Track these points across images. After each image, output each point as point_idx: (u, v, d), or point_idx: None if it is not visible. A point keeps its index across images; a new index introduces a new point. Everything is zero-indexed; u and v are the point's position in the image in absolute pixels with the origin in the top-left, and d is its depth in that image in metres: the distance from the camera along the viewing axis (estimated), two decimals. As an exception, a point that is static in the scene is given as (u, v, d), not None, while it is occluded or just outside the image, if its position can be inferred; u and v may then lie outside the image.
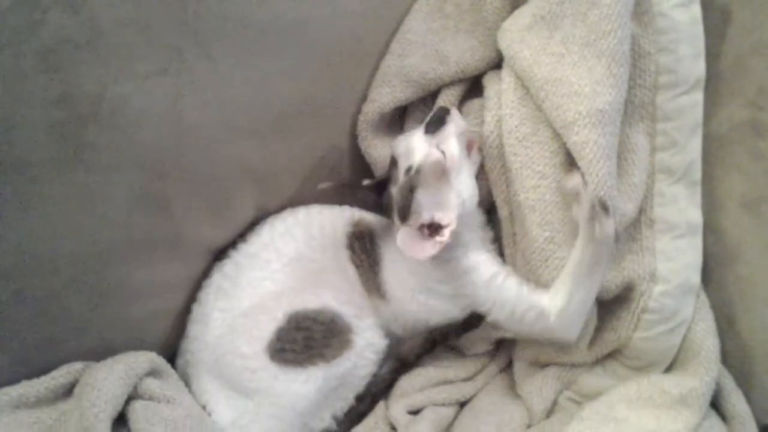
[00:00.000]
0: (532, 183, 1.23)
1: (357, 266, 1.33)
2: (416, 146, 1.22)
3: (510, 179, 1.26)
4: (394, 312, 1.33)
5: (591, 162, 1.16)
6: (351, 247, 1.34)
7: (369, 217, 1.37)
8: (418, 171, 1.20)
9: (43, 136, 1.01)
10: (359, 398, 1.34)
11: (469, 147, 1.28)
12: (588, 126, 1.16)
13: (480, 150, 1.31)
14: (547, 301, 1.23)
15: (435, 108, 1.32)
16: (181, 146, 1.15)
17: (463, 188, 1.23)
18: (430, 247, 1.16)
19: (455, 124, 1.23)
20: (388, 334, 1.36)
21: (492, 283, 1.26)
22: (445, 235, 1.17)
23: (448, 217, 1.19)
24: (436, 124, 1.23)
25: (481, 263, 1.27)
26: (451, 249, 1.22)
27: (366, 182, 1.31)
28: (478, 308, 1.28)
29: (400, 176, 1.24)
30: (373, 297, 1.33)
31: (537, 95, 1.22)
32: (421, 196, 1.20)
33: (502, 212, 1.32)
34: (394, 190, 1.25)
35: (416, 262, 1.22)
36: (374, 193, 1.31)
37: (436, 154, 1.20)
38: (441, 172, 1.20)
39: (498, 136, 1.27)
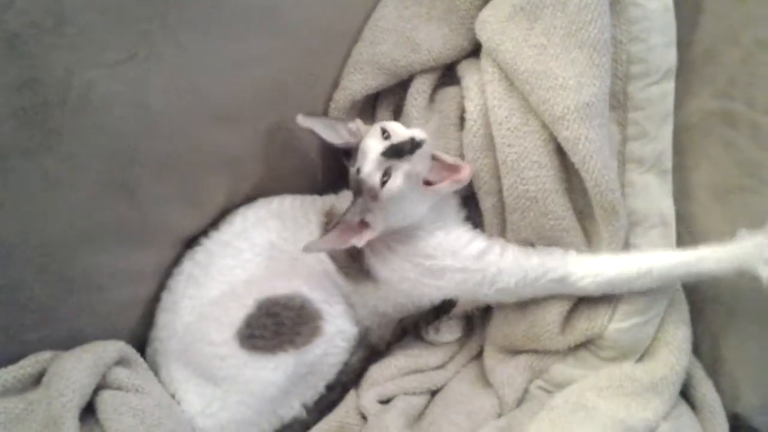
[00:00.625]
0: (531, 174, 1.22)
1: (333, 258, 1.33)
2: (369, 157, 1.22)
3: (504, 172, 1.24)
4: (386, 293, 1.33)
5: (585, 158, 1.16)
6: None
7: (341, 205, 1.36)
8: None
9: (9, 123, 0.99)
10: (329, 387, 1.33)
11: (451, 170, 1.25)
12: (577, 121, 1.16)
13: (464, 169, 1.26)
14: (573, 267, 1.24)
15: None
16: (149, 132, 1.14)
17: (395, 216, 1.24)
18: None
19: (413, 163, 1.20)
20: (359, 322, 1.36)
21: (487, 255, 1.26)
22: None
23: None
24: (396, 152, 1.20)
25: (467, 239, 1.28)
26: (420, 227, 1.26)
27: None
28: (474, 283, 1.27)
29: (354, 169, 1.24)
30: (361, 282, 1.33)
31: (522, 88, 1.22)
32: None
33: (486, 203, 1.30)
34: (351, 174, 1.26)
35: (396, 242, 1.26)
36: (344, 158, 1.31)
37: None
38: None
39: (482, 126, 1.27)
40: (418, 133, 1.20)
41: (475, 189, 1.31)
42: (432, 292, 1.31)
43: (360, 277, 1.32)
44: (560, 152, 1.22)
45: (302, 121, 1.27)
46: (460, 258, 1.26)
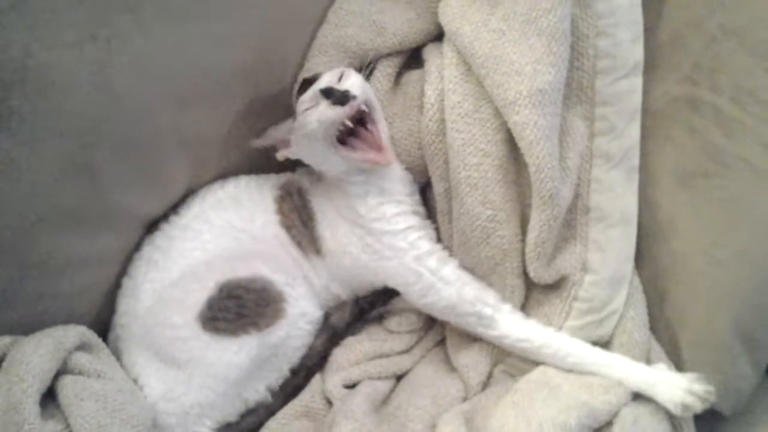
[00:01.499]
0: (475, 161, 1.22)
1: (288, 228, 1.33)
2: (312, 87, 1.26)
3: (451, 156, 1.25)
4: (330, 270, 1.34)
5: (531, 143, 1.16)
6: (280, 211, 1.34)
7: (296, 176, 1.39)
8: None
9: (-34, 103, 0.97)
10: (294, 371, 1.33)
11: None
12: (528, 106, 1.16)
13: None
14: (503, 321, 1.26)
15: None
16: (110, 114, 1.12)
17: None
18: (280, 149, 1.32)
19: (333, 114, 1.20)
20: (323, 304, 1.37)
21: (424, 262, 1.28)
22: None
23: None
24: (326, 94, 1.21)
25: (411, 234, 1.29)
26: (348, 182, 1.29)
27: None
28: (407, 283, 1.30)
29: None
30: (310, 255, 1.34)
31: (478, 72, 1.21)
32: (291, 120, 1.30)
33: (438, 188, 1.31)
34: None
35: (344, 207, 1.30)
36: None
37: (298, 106, 1.27)
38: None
39: (438, 110, 1.26)
40: (354, 90, 1.20)
41: (429, 173, 1.31)
42: (369, 275, 1.33)
43: (311, 249, 1.33)
44: (508, 143, 1.22)
45: (258, 143, 1.30)
46: (392, 232, 1.29)
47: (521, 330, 1.26)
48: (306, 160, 1.33)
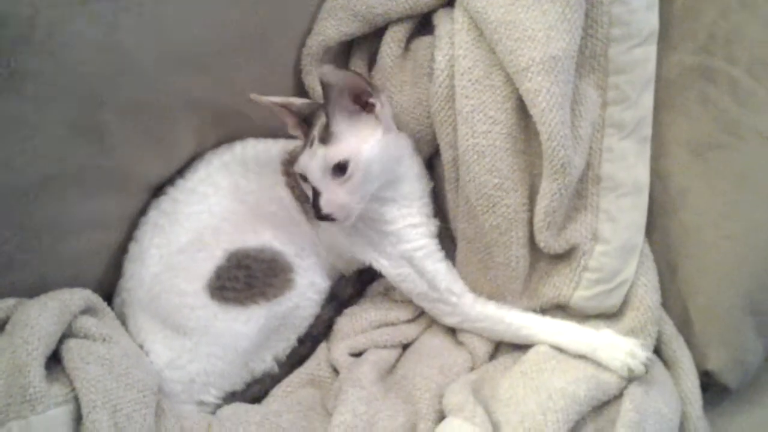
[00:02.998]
0: (483, 128, 1.21)
1: (293, 188, 1.32)
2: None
3: (459, 123, 1.23)
4: (322, 239, 1.34)
5: (543, 111, 1.14)
6: (286, 172, 1.33)
7: None
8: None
9: (-27, 60, 0.96)
10: (300, 340, 1.33)
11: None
12: (541, 73, 1.14)
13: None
14: (463, 301, 1.31)
15: None
16: (118, 75, 1.11)
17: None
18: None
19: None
20: (330, 275, 1.36)
21: (409, 255, 1.29)
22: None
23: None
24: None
25: (410, 228, 1.30)
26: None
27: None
28: (383, 265, 1.32)
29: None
30: (311, 221, 1.32)
31: (490, 38, 1.20)
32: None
33: (446, 156, 1.29)
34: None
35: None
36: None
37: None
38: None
39: (448, 76, 1.25)
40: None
41: (438, 140, 1.30)
42: (357, 255, 1.34)
43: (310, 214, 1.30)
44: (518, 111, 1.21)
45: (260, 99, 1.24)
46: (388, 229, 1.29)
47: (478, 312, 1.30)
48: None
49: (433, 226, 1.35)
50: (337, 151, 1.16)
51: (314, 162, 1.17)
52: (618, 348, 1.17)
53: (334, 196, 1.17)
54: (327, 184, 1.17)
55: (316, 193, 1.17)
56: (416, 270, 1.29)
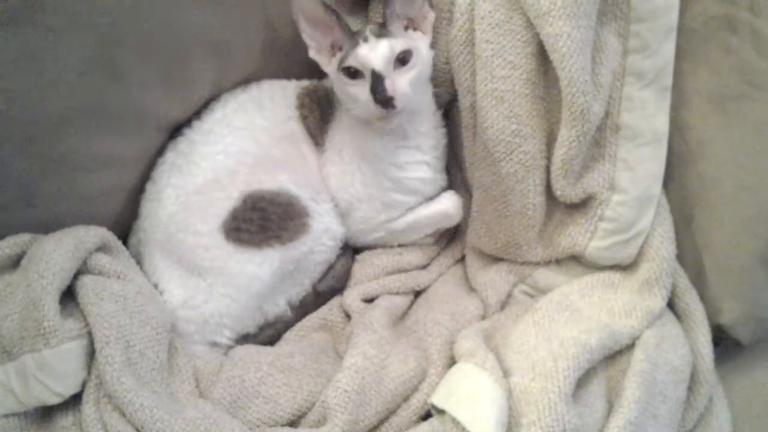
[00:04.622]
0: (503, 73, 1.20)
1: (304, 117, 1.34)
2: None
3: (478, 67, 1.22)
4: (324, 174, 1.36)
5: (564, 56, 1.13)
6: (301, 105, 1.34)
7: (326, 83, 1.37)
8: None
9: (-11, -7, 0.95)
10: (318, 293, 1.34)
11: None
12: (563, 17, 1.12)
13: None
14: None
15: None
16: (137, 10, 1.10)
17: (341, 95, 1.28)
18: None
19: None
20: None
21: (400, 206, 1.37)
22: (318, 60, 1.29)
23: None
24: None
25: (418, 181, 1.35)
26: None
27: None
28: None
29: None
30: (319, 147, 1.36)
31: None
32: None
33: (464, 102, 1.29)
34: None
35: (363, 138, 1.31)
36: None
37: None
38: None
39: (468, 20, 1.23)
40: (399, 99, 1.19)
41: (456, 86, 1.29)
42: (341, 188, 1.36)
43: (319, 140, 1.36)
44: (538, 56, 1.20)
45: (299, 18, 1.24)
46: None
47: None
48: (338, 96, 1.30)
49: (441, 181, 1.38)
50: (402, 42, 1.20)
51: (377, 51, 1.19)
52: None
53: (398, 82, 1.19)
54: (390, 72, 1.19)
55: (379, 79, 1.17)
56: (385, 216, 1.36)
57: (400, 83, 1.19)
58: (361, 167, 1.33)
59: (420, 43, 1.25)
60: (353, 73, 1.21)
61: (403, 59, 1.20)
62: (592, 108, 1.16)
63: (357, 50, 1.20)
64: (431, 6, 1.28)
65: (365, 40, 1.20)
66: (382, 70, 1.18)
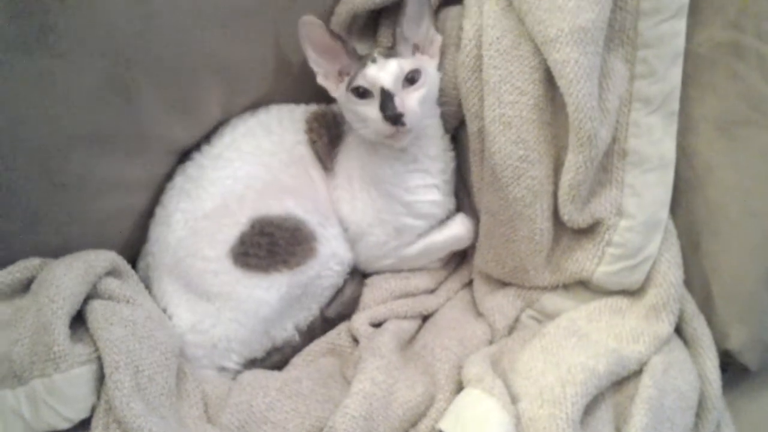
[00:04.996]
0: (510, 98, 1.21)
1: (313, 142, 1.34)
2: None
3: (486, 93, 1.23)
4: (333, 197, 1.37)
5: (571, 82, 1.13)
6: (310, 129, 1.35)
7: (335, 107, 1.38)
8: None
9: (3, 17, 0.97)
10: (326, 319, 1.34)
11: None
12: (570, 44, 1.13)
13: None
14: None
15: None
16: (147, 33, 1.11)
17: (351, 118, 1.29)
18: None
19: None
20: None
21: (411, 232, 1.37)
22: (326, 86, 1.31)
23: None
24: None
25: (428, 204, 1.36)
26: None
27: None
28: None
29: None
30: (327, 176, 1.36)
31: (519, 8, 1.19)
32: None
33: (471, 127, 1.29)
34: None
35: (371, 164, 1.31)
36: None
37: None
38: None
39: (476, 46, 1.24)
40: (409, 117, 1.20)
41: (464, 111, 1.30)
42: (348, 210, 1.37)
43: (328, 165, 1.37)
44: (545, 82, 1.21)
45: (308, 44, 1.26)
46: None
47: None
48: (347, 118, 1.31)
49: (450, 204, 1.38)
50: (410, 62, 1.23)
51: (386, 69, 1.21)
52: None
53: (407, 99, 1.20)
54: (400, 89, 1.21)
55: (389, 96, 1.19)
56: (396, 241, 1.36)
57: (409, 101, 1.20)
58: (371, 192, 1.33)
59: (428, 65, 1.27)
60: (362, 93, 1.22)
61: (411, 78, 1.22)
62: (599, 133, 1.17)
63: (365, 70, 1.21)
64: (437, 30, 1.30)
65: (373, 61, 1.22)
66: (391, 88, 1.19)
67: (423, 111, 1.23)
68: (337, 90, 1.29)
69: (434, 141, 1.35)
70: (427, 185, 1.34)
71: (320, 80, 1.29)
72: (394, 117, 1.17)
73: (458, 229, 1.39)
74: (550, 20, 1.14)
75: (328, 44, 1.25)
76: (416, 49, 1.29)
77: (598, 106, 1.18)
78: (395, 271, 1.42)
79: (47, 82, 1.04)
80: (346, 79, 1.27)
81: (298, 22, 1.22)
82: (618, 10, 1.19)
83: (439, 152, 1.36)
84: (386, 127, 1.19)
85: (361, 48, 1.35)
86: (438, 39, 1.29)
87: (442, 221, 1.40)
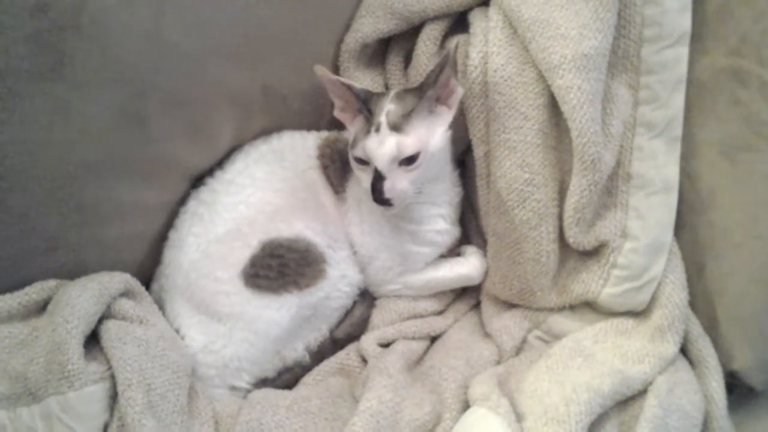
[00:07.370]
0: (515, 124, 1.23)
1: (325, 167, 1.36)
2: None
3: (491, 118, 1.26)
4: (346, 222, 1.38)
5: (575, 107, 1.16)
6: (322, 155, 1.36)
7: (346, 134, 1.37)
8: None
9: (21, 47, 0.98)
10: (335, 340, 1.36)
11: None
12: (573, 70, 1.16)
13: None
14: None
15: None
16: (161, 64, 1.13)
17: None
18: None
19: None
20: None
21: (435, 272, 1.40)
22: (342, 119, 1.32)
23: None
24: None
25: (434, 233, 1.38)
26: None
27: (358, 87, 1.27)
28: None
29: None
30: (338, 207, 1.38)
31: (524, 36, 1.22)
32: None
33: (478, 151, 1.32)
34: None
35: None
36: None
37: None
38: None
39: (482, 73, 1.26)
40: (395, 200, 1.21)
41: (470, 136, 1.32)
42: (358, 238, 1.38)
43: (340, 189, 1.38)
44: (549, 108, 1.23)
45: (323, 74, 1.26)
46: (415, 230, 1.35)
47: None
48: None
49: (456, 232, 1.40)
50: (411, 143, 1.19)
51: (384, 149, 1.18)
52: None
53: (398, 183, 1.19)
54: (393, 171, 1.19)
55: (380, 178, 1.19)
56: (402, 267, 1.38)
57: (400, 182, 1.20)
58: (378, 219, 1.34)
59: (434, 133, 1.24)
60: (361, 161, 1.23)
61: (410, 158, 1.19)
62: (603, 157, 1.19)
63: (366, 141, 1.20)
64: (458, 81, 1.27)
65: (377, 129, 1.21)
66: (384, 170, 1.19)
67: (417, 186, 1.22)
68: (352, 124, 1.30)
69: (443, 179, 1.35)
70: (432, 215, 1.36)
71: (337, 113, 1.32)
72: (380, 200, 1.19)
73: (469, 269, 1.40)
74: (554, 47, 1.17)
75: (339, 89, 1.28)
76: (435, 99, 1.26)
77: (602, 131, 1.20)
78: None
79: (63, 112, 1.06)
80: (360, 119, 1.27)
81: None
82: (621, 38, 1.22)
83: (446, 188, 1.37)
84: (374, 203, 1.21)
85: (372, 75, 1.39)
86: (459, 91, 1.25)
87: (450, 249, 1.42)
